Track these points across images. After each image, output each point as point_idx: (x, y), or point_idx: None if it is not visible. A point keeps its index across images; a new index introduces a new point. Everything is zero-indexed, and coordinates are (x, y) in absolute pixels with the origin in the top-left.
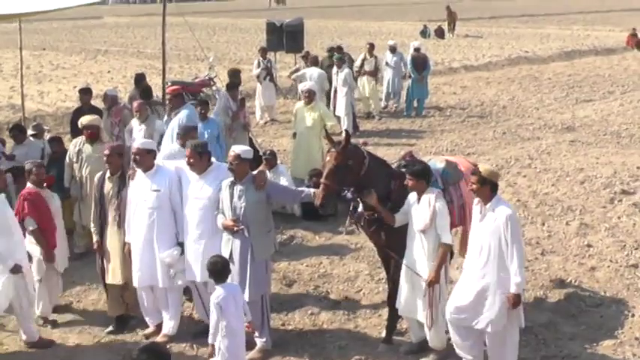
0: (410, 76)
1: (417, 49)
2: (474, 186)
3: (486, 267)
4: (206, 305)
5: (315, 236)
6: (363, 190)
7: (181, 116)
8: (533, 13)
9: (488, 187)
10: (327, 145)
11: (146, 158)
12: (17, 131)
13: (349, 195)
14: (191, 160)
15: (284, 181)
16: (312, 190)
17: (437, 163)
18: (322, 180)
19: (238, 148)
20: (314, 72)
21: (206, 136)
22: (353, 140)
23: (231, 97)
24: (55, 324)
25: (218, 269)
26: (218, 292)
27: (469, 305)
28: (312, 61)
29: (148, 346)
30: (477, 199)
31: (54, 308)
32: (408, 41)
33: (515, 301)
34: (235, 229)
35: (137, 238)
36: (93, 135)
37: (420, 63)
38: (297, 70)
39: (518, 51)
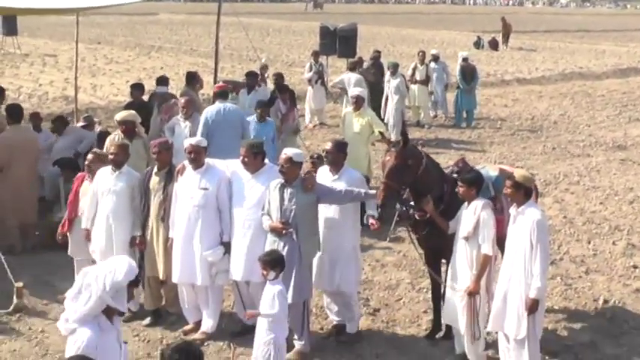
0: (458, 87)
1: (465, 59)
2: (509, 190)
3: (513, 269)
4: (246, 305)
5: None
6: (420, 194)
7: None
8: (589, 28)
9: (522, 192)
10: (374, 152)
11: (201, 156)
12: (59, 123)
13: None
14: (245, 159)
15: None
16: (362, 190)
17: (490, 171)
18: (383, 179)
19: (290, 151)
20: (352, 77)
21: (264, 137)
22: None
23: (281, 100)
24: None
25: (276, 258)
26: (279, 286)
27: (497, 310)
28: (349, 66)
29: (181, 346)
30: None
31: None
32: (461, 51)
33: (532, 305)
34: (284, 231)
35: (180, 234)
36: (128, 130)
37: (469, 73)
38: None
39: (572, 66)
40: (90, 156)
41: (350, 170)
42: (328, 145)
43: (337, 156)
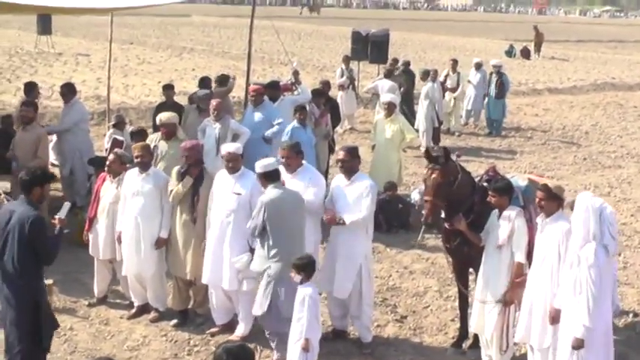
0: (501, 97)
1: (496, 66)
2: (542, 201)
3: (540, 278)
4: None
5: (387, 249)
6: (452, 205)
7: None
8: (622, 39)
9: (555, 203)
10: (404, 158)
11: (237, 162)
12: (66, 90)
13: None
14: (288, 160)
15: None
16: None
17: (519, 180)
18: (429, 198)
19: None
20: (385, 84)
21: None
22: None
23: (315, 104)
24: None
25: (304, 263)
26: (309, 289)
27: (524, 321)
28: (385, 72)
29: (232, 348)
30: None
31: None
32: (493, 59)
33: (555, 316)
34: None
35: (212, 236)
36: (169, 133)
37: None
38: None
39: (605, 77)
40: (111, 156)
41: (362, 175)
42: (341, 154)
43: (352, 163)
